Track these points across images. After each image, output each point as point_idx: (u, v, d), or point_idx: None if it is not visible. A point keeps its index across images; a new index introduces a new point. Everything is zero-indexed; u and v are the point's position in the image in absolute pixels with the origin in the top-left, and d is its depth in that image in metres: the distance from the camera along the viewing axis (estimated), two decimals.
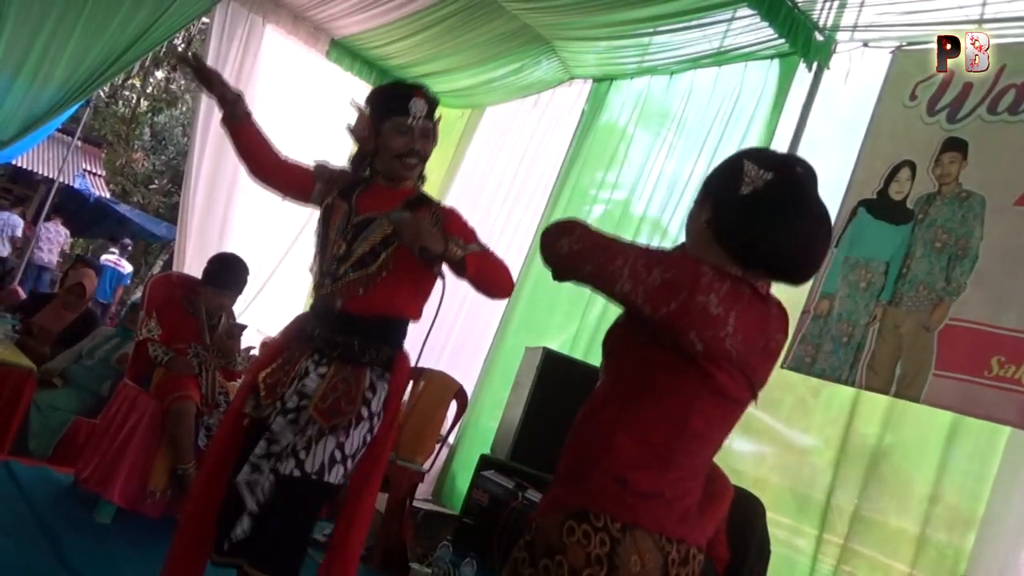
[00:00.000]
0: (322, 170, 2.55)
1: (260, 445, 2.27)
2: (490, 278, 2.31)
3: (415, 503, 4.47)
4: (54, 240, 11.26)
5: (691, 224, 1.63)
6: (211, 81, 2.51)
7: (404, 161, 2.40)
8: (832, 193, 4.14)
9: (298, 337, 2.43)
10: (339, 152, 7.18)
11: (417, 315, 2.47)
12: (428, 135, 2.43)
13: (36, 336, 5.02)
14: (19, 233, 11.23)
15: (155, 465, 3.56)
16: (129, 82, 19.93)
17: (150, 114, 21.04)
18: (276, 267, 6.95)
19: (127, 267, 12.72)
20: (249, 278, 4.04)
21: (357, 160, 2.51)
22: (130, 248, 13.72)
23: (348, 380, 2.32)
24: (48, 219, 11.32)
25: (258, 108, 6.90)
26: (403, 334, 2.46)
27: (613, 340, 1.64)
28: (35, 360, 4.32)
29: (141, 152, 20.55)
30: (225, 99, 2.51)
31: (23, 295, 6.82)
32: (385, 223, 2.32)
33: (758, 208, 1.55)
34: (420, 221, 2.25)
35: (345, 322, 2.34)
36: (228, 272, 3.92)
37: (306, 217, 6.92)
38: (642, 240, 4.79)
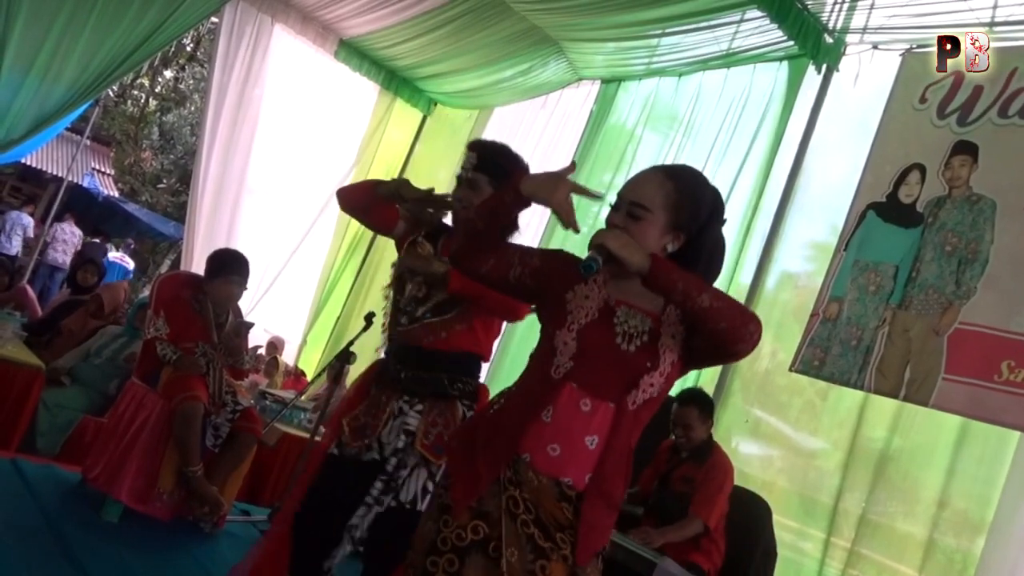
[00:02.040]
0: (409, 209, 2.60)
1: (376, 486, 2.39)
2: (483, 297, 2.35)
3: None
4: (68, 241, 11.30)
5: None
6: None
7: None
8: (841, 196, 4.13)
9: (379, 380, 2.53)
10: (343, 150, 7.23)
11: (488, 354, 2.63)
12: (473, 186, 2.50)
13: (63, 336, 5.06)
14: (31, 233, 11.29)
15: (163, 465, 3.56)
16: (138, 81, 20.02)
17: (159, 113, 21.10)
18: (283, 266, 6.96)
19: (131, 263, 13.33)
20: (250, 271, 4.01)
21: (426, 202, 2.63)
22: (132, 246, 13.96)
23: (444, 414, 2.44)
24: (61, 219, 11.37)
25: (266, 107, 6.96)
26: (480, 368, 2.60)
27: (669, 384, 1.71)
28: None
29: (149, 151, 20.61)
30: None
31: (32, 295, 6.83)
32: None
33: (719, 243, 1.78)
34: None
35: (430, 359, 2.47)
36: (232, 261, 3.91)
37: (313, 217, 6.94)
38: None
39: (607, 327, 1.67)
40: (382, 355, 2.63)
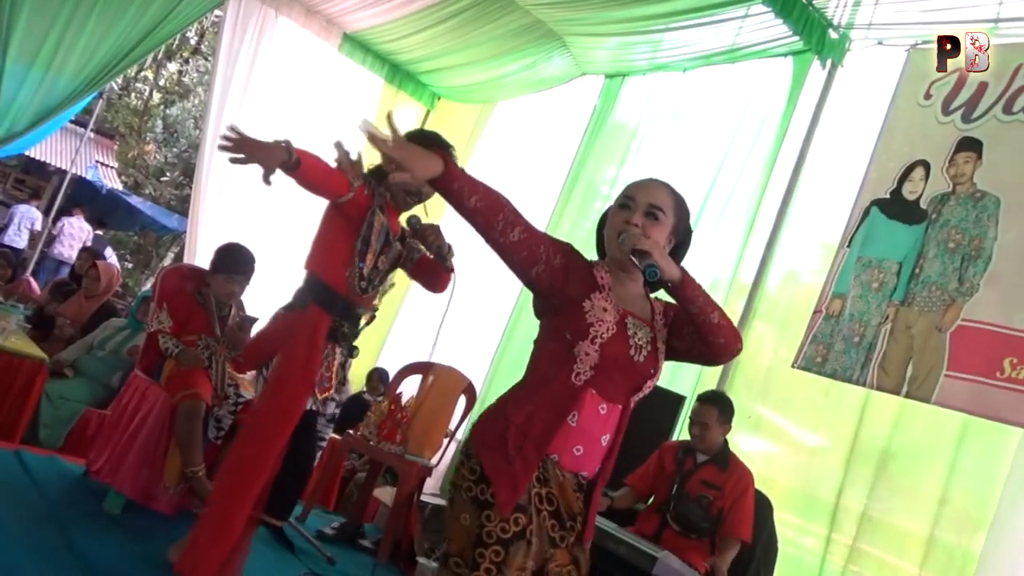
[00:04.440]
0: (351, 170, 2.79)
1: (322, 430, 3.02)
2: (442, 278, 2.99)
3: (423, 497, 4.48)
4: (76, 236, 11.29)
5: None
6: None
7: (406, 200, 2.91)
8: (845, 192, 4.13)
9: (328, 335, 2.85)
10: (347, 144, 7.20)
11: None
12: None
13: (61, 326, 5.07)
14: (38, 227, 11.30)
15: (167, 461, 3.56)
16: (142, 74, 20.01)
17: (162, 106, 21.08)
18: (286, 260, 6.95)
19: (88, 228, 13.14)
20: (256, 268, 4.03)
21: (379, 175, 2.86)
22: (86, 215, 13.83)
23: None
24: (70, 214, 11.37)
25: (270, 101, 6.95)
26: None
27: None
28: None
29: (153, 144, 20.60)
30: (283, 163, 2.59)
31: (35, 286, 6.84)
32: (398, 247, 2.93)
33: None
34: (437, 226, 2.84)
35: (360, 318, 2.96)
36: (237, 258, 3.93)
37: (316, 211, 6.92)
38: None
39: (624, 341, 1.84)
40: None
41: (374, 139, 1.73)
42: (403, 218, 2.99)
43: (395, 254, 2.95)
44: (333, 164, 2.74)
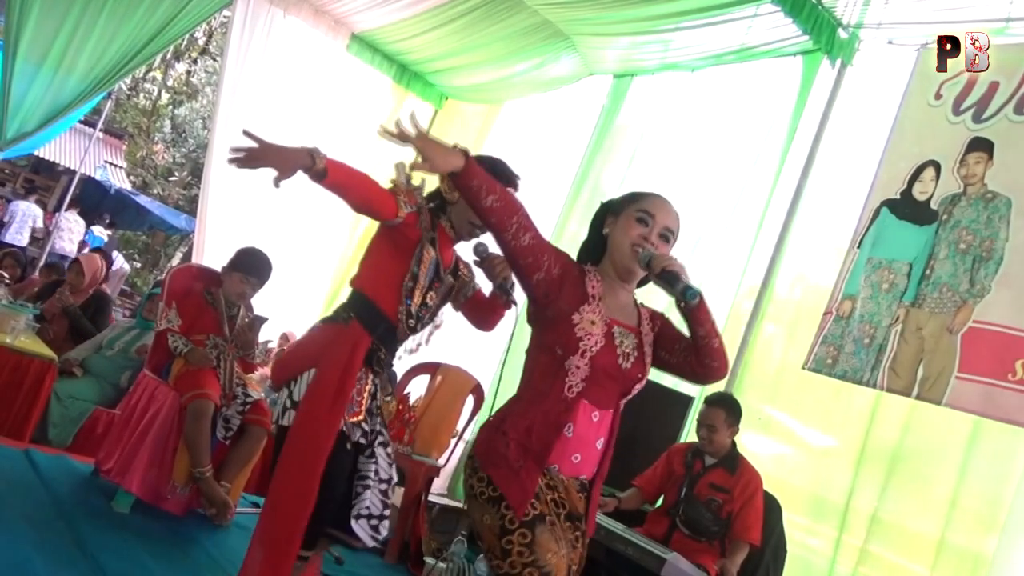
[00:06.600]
0: (403, 195, 2.58)
1: (371, 468, 2.66)
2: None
3: (430, 497, 4.47)
4: (73, 229, 11.38)
5: None
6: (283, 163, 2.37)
7: (474, 231, 2.69)
8: (855, 193, 4.11)
9: (365, 359, 2.64)
10: (356, 144, 7.22)
11: None
12: None
13: (50, 322, 5.08)
14: (39, 224, 11.37)
15: (176, 461, 3.57)
16: (150, 75, 20.08)
17: (171, 107, 21.15)
18: (296, 260, 6.96)
19: (105, 234, 13.45)
20: (271, 276, 4.02)
21: (439, 200, 2.69)
22: (108, 220, 13.91)
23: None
24: (66, 209, 11.48)
25: (279, 101, 6.95)
26: None
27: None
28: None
29: (161, 144, 20.67)
30: (305, 168, 2.42)
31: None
32: (450, 281, 2.75)
33: None
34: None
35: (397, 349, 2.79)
36: (256, 262, 3.94)
37: (325, 210, 6.93)
38: None
39: (612, 351, 1.92)
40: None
41: (398, 135, 1.82)
42: (460, 246, 2.82)
43: (446, 288, 2.76)
44: (387, 184, 2.59)
